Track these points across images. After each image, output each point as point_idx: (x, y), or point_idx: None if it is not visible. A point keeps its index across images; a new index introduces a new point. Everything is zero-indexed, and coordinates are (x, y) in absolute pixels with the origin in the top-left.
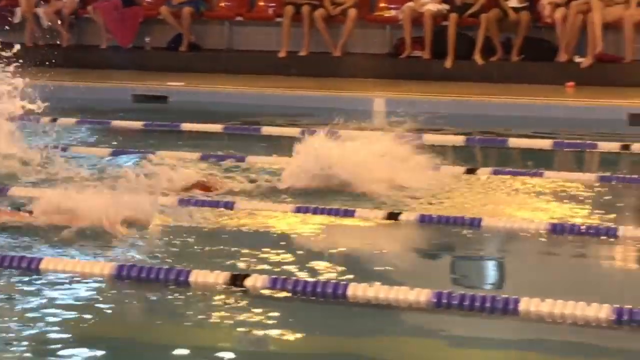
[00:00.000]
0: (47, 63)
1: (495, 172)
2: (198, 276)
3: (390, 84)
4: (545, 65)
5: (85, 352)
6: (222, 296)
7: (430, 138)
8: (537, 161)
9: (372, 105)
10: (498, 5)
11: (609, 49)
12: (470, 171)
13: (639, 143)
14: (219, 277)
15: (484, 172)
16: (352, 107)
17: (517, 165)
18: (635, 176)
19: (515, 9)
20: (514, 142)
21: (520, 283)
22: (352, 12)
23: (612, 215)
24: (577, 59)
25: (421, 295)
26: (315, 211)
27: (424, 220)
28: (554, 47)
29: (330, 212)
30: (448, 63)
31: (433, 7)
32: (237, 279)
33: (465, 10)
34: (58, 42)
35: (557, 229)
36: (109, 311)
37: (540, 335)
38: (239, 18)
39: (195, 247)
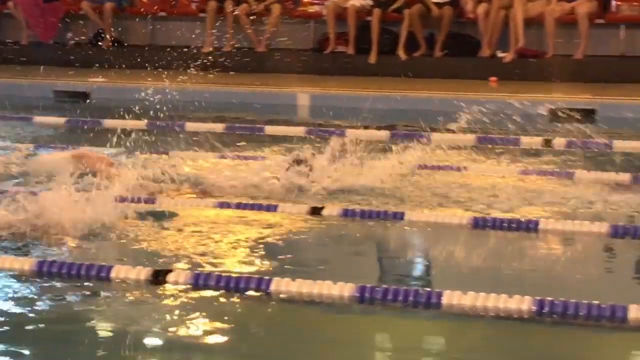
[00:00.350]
0: None
1: (420, 167)
2: (120, 272)
3: (315, 79)
4: (468, 61)
5: (2, 348)
6: (144, 292)
7: (354, 133)
8: (460, 156)
9: (297, 100)
10: (421, 1)
11: (530, 44)
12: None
13: (561, 138)
14: (140, 273)
15: (408, 167)
16: (276, 103)
17: (441, 160)
18: (557, 170)
19: (438, 5)
20: (436, 136)
21: (443, 276)
22: (276, 8)
23: (533, 209)
24: (500, 54)
25: (345, 289)
26: (237, 206)
27: (347, 215)
28: (476, 43)
29: (253, 207)
30: (372, 58)
31: (357, 2)
32: (159, 275)
33: (388, 5)
34: None
35: (479, 223)
36: (30, 307)
37: (463, 328)
38: (161, 13)
39: (118, 243)
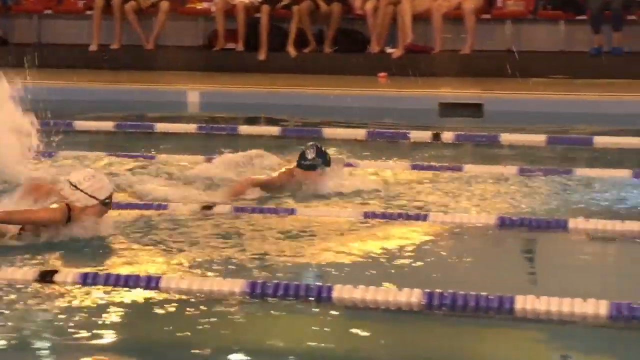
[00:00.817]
0: None
1: None
2: (6, 273)
3: (204, 76)
4: (357, 57)
5: None
6: (31, 292)
7: (245, 129)
8: (352, 151)
9: (186, 97)
10: None
11: (419, 40)
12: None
13: (450, 132)
14: (27, 274)
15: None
16: (166, 100)
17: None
18: (446, 164)
19: (327, 1)
20: (328, 132)
21: (334, 271)
22: (164, 5)
23: (423, 202)
24: (389, 50)
25: (235, 285)
26: (128, 206)
27: (239, 211)
28: (365, 39)
29: (142, 207)
30: (261, 55)
31: None
32: (46, 275)
33: (277, 2)
34: None
35: (369, 216)
36: None
37: (354, 321)
38: (48, 11)
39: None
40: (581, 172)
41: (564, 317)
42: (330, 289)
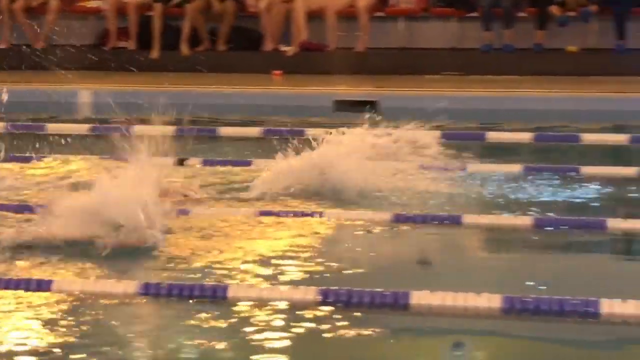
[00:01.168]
0: None
1: (206, 163)
2: None
3: (96, 75)
4: (251, 55)
5: None
6: None
7: (140, 129)
8: (247, 149)
9: (78, 97)
10: None
11: (313, 37)
12: (181, 162)
13: (345, 128)
14: None
15: (194, 162)
16: (56, 100)
17: (228, 155)
18: None
19: None
20: (223, 131)
21: (230, 269)
22: (54, 3)
23: (318, 199)
24: (283, 48)
25: (129, 287)
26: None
27: None
28: (259, 36)
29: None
30: (154, 53)
31: None
32: None
33: (169, 0)
34: None
35: (264, 214)
36: None
37: (250, 319)
38: None
39: None
40: (474, 167)
41: (457, 310)
42: (225, 288)
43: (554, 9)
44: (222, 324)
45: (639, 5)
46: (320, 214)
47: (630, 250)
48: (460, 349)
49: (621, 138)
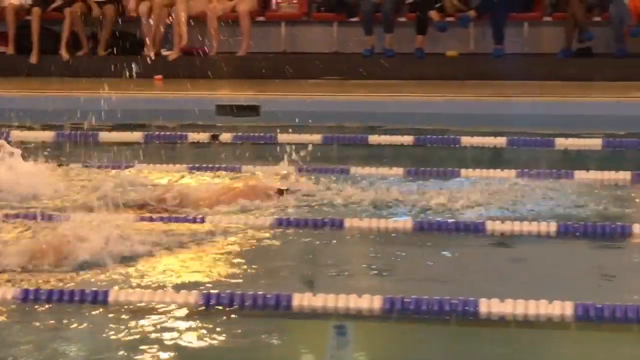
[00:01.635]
0: None
1: (86, 166)
2: None
3: None
4: (132, 59)
5: None
6: None
7: (18, 135)
8: (130, 154)
9: None
10: (82, 0)
11: (194, 42)
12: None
13: (227, 133)
14: None
15: (74, 168)
16: None
17: (108, 159)
18: (224, 165)
19: (99, 3)
20: (104, 136)
21: (112, 275)
22: None
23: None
24: (164, 52)
25: (7, 293)
26: None
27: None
28: (140, 41)
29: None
30: (33, 58)
31: (15, 0)
32: None
33: (48, 4)
34: None
35: (146, 220)
36: None
37: (130, 323)
38: None
39: None
40: (355, 170)
41: (339, 312)
42: (106, 293)
43: (433, 15)
44: (103, 328)
45: (516, 10)
46: (202, 220)
47: (507, 251)
48: (343, 332)
49: (500, 141)
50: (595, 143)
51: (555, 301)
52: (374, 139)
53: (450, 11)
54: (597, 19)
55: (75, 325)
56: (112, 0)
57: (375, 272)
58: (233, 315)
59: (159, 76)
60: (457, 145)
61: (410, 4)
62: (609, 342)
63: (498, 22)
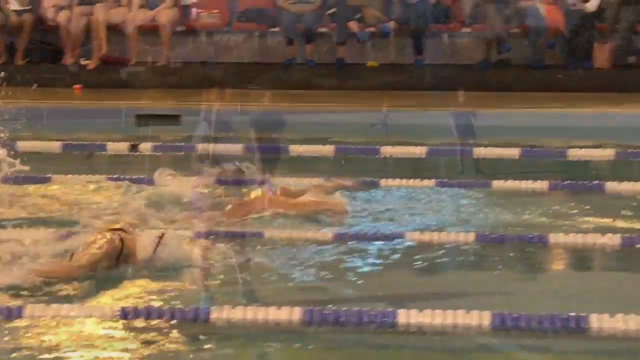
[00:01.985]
0: None
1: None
2: None
3: None
4: (51, 68)
5: None
6: None
7: None
8: (44, 164)
9: None
10: None
11: (114, 51)
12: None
13: (148, 143)
14: None
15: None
16: None
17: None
18: (143, 176)
19: (18, 12)
20: (22, 145)
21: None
22: None
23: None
24: (83, 62)
25: None
26: None
27: None
28: (59, 50)
29: None
30: None
31: None
32: None
33: None
34: None
35: (64, 236)
36: None
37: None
38: None
39: None
40: (276, 180)
41: (259, 324)
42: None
43: (353, 25)
44: (20, 342)
45: (435, 22)
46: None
47: (426, 261)
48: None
49: (419, 150)
50: (513, 153)
51: (473, 311)
52: (294, 148)
53: (371, 22)
54: (516, 30)
55: None
56: (31, 10)
57: (295, 284)
58: (149, 329)
59: (78, 85)
60: (377, 155)
61: (330, 14)
62: (526, 351)
63: (418, 33)
